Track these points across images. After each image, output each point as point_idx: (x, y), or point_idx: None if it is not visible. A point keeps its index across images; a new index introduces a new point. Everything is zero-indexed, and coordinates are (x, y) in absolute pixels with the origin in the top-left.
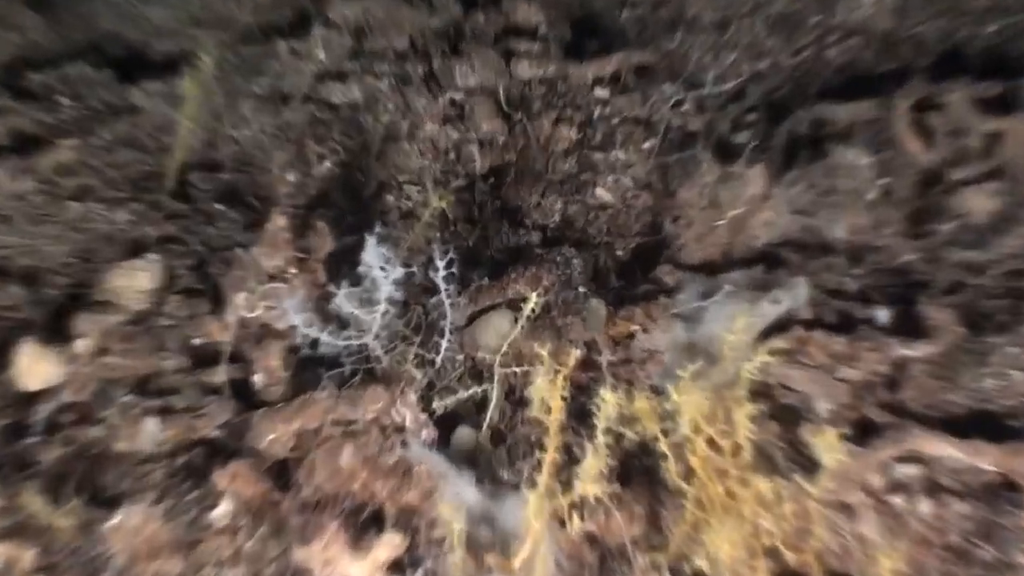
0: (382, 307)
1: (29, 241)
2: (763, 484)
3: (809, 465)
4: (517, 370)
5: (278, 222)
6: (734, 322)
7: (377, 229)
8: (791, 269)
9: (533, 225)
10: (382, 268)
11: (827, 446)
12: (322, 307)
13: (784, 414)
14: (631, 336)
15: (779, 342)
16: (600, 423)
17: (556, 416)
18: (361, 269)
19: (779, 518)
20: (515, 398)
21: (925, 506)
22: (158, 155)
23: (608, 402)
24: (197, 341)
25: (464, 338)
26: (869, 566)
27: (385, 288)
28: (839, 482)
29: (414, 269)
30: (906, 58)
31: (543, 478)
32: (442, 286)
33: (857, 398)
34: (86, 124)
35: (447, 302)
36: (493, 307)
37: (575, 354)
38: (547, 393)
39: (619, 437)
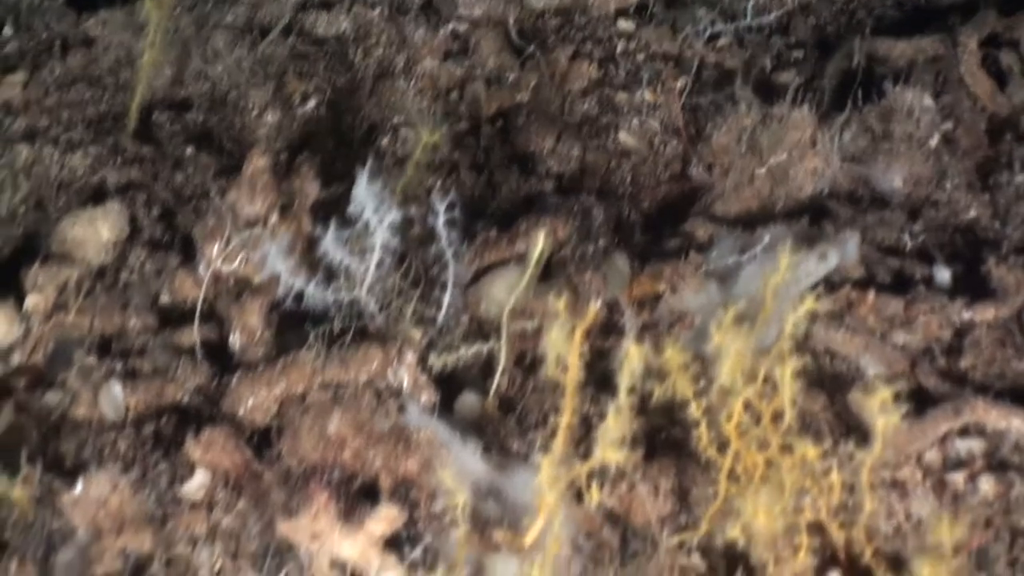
0: (376, 256)
1: None
2: (810, 450)
3: (860, 436)
4: (529, 325)
5: (258, 163)
6: (778, 264)
7: (370, 163)
8: (840, 223)
9: (547, 173)
10: (376, 210)
11: (881, 408)
12: (308, 256)
13: (831, 383)
14: (658, 297)
15: (827, 303)
16: (624, 380)
17: (573, 375)
18: (352, 209)
19: (825, 490)
20: (525, 364)
21: (988, 484)
22: (118, 93)
23: (633, 356)
24: (166, 298)
25: (469, 297)
26: (924, 550)
27: (380, 234)
28: (892, 454)
29: (412, 212)
30: None
31: (558, 444)
32: (443, 233)
33: (913, 366)
34: (35, 57)
35: (449, 251)
36: (501, 263)
37: (595, 306)
38: (563, 348)
39: (645, 399)
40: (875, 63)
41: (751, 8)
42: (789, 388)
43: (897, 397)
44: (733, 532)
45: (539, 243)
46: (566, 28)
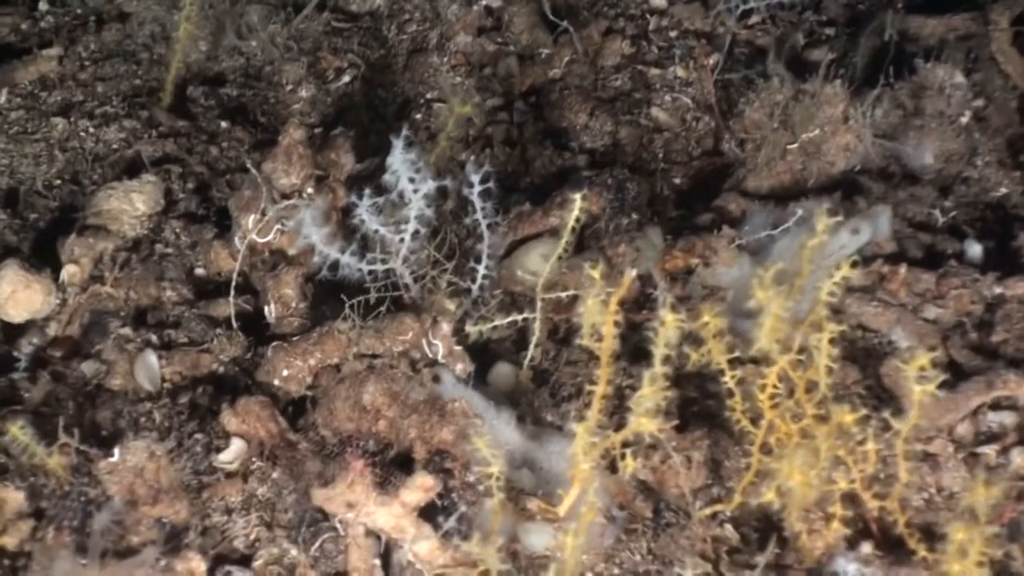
0: (411, 226)
1: (8, 160)
2: (846, 416)
3: (894, 408)
4: (563, 295)
5: (295, 134)
6: (815, 227)
7: (405, 131)
8: (872, 198)
9: (580, 148)
10: (411, 179)
11: (918, 374)
12: (343, 227)
13: (863, 357)
14: (690, 271)
15: (859, 278)
16: (659, 348)
17: (608, 344)
18: (387, 178)
19: (860, 459)
20: (559, 336)
21: (1020, 458)
22: (152, 67)
23: (668, 324)
24: (201, 270)
25: (503, 269)
26: (956, 521)
27: (415, 204)
28: (925, 427)
29: (447, 182)
30: None
31: (593, 412)
32: (478, 203)
33: (945, 340)
34: (70, 32)
35: (483, 223)
36: (535, 235)
37: (630, 274)
38: (598, 317)
39: (679, 368)
40: (907, 40)
41: None
42: (825, 354)
43: (933, 365)
44: (768, 495)
45: (575, 209)
46: (599, 4)
